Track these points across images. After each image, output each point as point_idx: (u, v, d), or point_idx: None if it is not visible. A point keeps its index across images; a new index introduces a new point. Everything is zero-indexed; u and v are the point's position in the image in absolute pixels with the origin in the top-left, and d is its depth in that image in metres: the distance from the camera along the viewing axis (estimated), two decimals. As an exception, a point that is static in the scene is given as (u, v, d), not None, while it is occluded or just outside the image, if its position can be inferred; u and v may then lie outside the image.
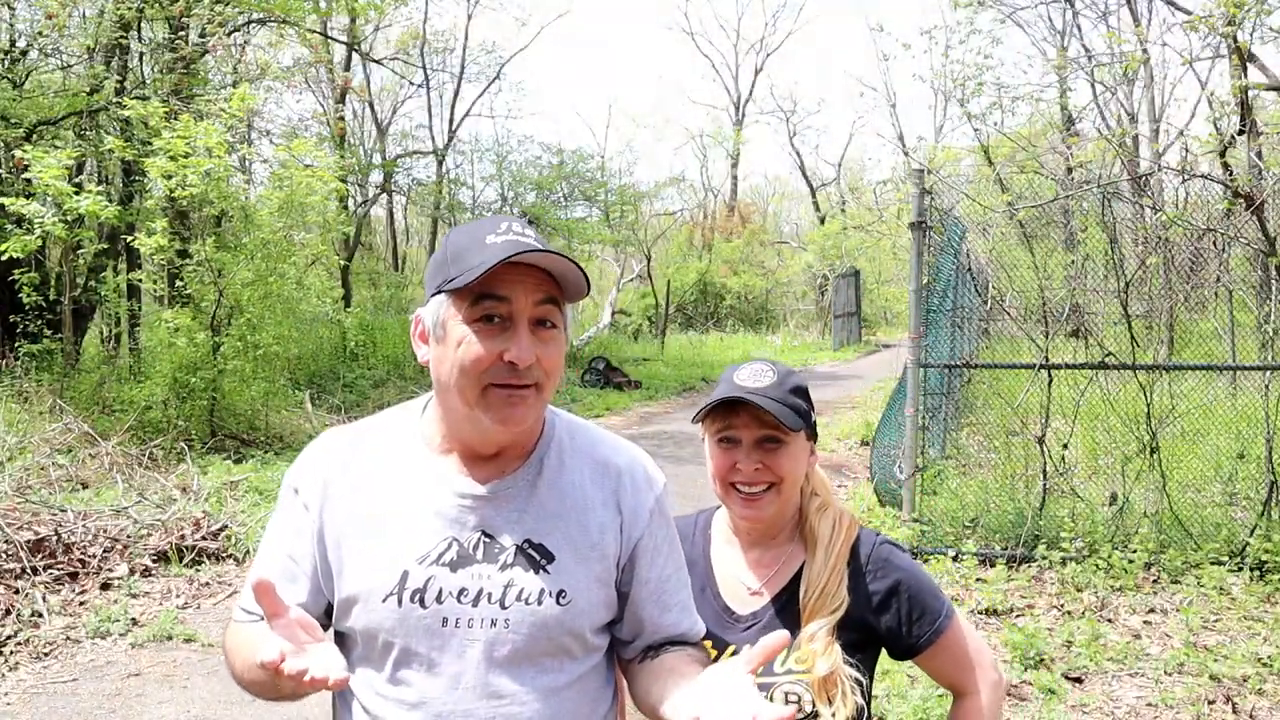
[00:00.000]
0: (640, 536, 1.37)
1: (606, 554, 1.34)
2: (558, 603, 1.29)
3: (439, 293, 1.27)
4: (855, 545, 1.61)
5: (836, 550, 1.57)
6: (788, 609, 1.57)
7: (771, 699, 1.49)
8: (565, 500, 1.34)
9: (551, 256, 1.23)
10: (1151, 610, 4.86)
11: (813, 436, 1.64)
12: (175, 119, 9.04)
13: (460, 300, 1.25)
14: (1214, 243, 6.35)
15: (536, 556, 1.30)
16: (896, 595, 1.58)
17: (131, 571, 5.41)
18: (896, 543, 1.65)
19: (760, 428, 1.55)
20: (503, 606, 1.27)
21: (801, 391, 1.59)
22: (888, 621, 1.57)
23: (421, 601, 1.26)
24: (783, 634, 1.15)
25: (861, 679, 1.55)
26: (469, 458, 1.33)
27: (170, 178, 8.66)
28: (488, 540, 1.30)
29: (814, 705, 1.50)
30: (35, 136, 10.09)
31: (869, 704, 1.58)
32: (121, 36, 10.55)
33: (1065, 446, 6.10)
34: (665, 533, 1.42)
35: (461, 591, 1.27)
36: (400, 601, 1.26)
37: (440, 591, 1.27)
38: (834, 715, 1.49)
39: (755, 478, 1.56)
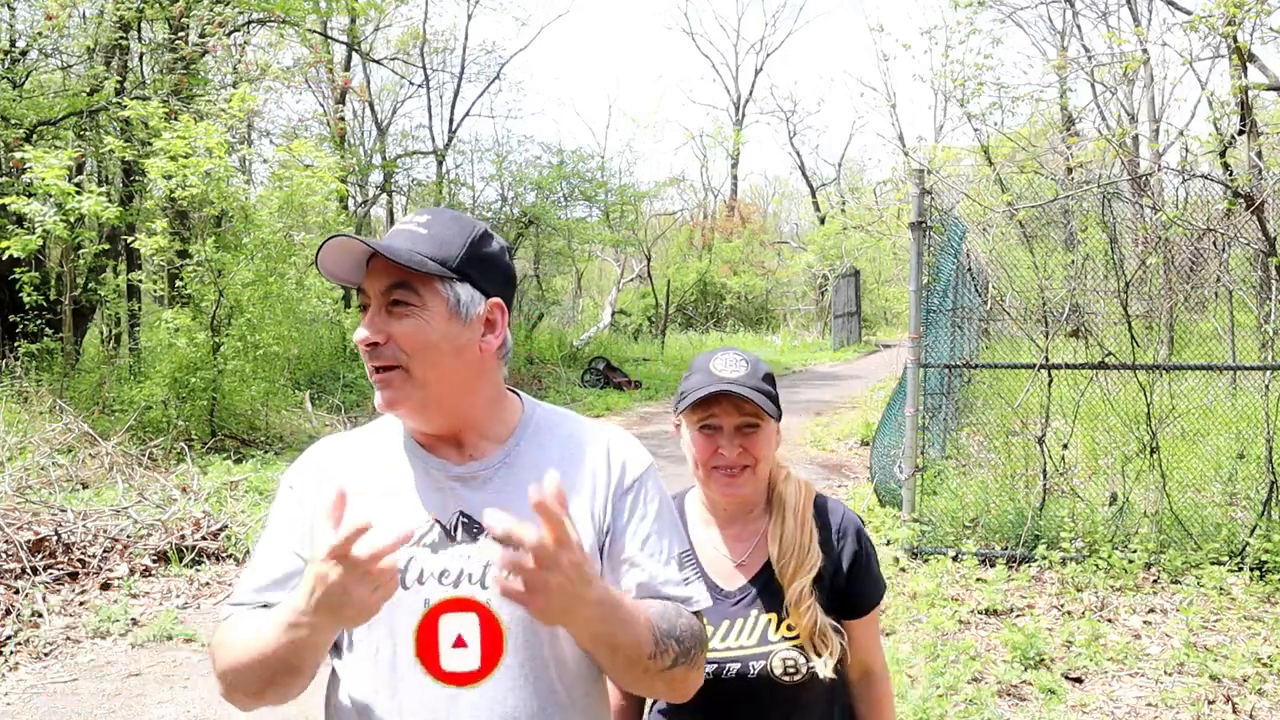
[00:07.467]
0: (623, 507, 1.36)
1: (588, 525, 1.33)
2: None
3: None
4: (824, 511, 1.74)
5: (801, 512, 1.70)
6: (772, 578, 1.67)
7: (772, 667, 1.61)
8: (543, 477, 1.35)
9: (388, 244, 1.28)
10: (1151, 610, 4.85)
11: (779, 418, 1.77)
12: (175, 119, 9.05)
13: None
14: (1214, 243, 6.34)
15: None
16: (858, 562, 1.72)
17: (131, 571, 5.41)
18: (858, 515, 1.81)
19: (740, 415, 1.66)
20: (483, 586, 1.27)
21: (770, 379, 1.72)
22: (844, 583, 1.70)
23: (403, 583, 1.26)
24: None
25: (840, 629, 1.67)
26: (440, 444, 1.36)
27: (170, 178, 8.66)
28: (466, 521, 1.31)
29: (809, 664, 1.61)
30: (35, 136, 10.08)
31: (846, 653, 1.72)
32: (121, 37, 10.55)
33: (1065, 446, 6.09)
34: (644, 509, 1.37)
35: (443, 573, 1.27)
36: None
37: (422, 573, 1.27)
38: (825, 664, 1.61)
39: (737, 461, 1.66)
